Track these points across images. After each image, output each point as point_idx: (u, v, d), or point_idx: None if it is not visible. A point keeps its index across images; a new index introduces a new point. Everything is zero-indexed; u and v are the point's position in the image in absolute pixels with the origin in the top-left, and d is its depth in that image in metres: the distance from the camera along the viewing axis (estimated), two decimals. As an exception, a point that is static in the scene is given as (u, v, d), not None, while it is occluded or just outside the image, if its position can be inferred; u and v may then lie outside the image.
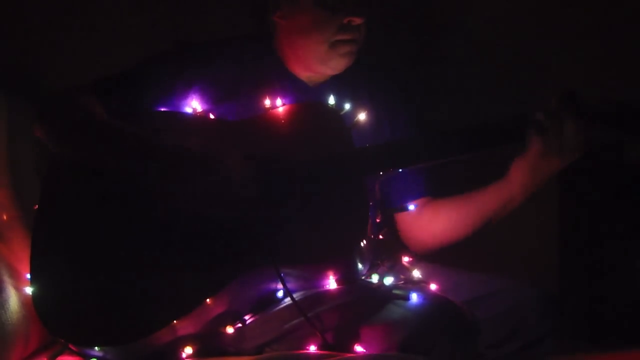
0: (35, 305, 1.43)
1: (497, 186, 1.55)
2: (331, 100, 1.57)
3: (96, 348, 1.39)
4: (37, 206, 1.51)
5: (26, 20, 1.97)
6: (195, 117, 1.58)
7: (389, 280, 1.45)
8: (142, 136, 1.47)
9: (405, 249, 1.65)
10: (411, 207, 1.62)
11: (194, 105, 1.58)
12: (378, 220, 1.54)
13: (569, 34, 1.94)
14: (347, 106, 1.57)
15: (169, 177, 1.42)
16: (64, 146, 1.51)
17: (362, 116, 1.55)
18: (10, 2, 1.97)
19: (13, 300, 1.49)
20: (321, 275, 1.45)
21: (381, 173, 1.50)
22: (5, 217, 1.61)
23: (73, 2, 1.99)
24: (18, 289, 1.50)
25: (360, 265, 1.47)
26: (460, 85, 1.98)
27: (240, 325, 1.46)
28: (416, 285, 1.45)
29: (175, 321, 1.40)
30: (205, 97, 1.59)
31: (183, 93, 1.59)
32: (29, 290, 1.45)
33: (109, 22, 1.99)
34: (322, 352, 1.37)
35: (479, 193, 1.59)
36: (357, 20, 1.54)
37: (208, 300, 1.41)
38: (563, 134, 1.41)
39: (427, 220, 1.65)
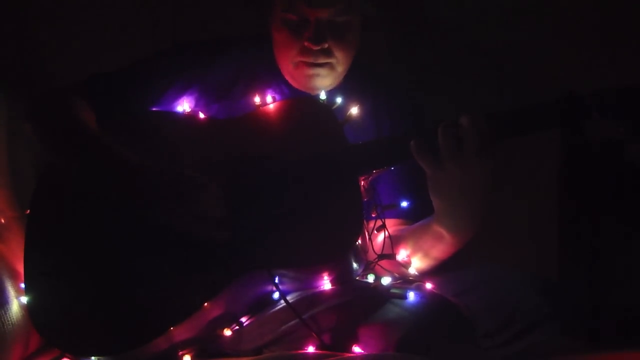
0: (30, 314, 1.42)
1: (427, 219, 1.48)
2: (322, 95, 1.56)
3: (93, 358, 1.38)
4: (28, 211, 1.50)
5: (26, 20, 1.97)
6: (186, 117, 1.57)
7: (386, 280, 1.44)
8: (114, 151, 1.43)
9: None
10: (404, 204, 1.59)
11: (185, 105, 1.58)
12: (374, 215, 1.52)
13: (566, 31, 1.93)
14: (339, 100, 1.56)
15: (132, 195, 1.40)
16: (44, 148, 1.51)
17: (354, 110, 1.54)
18: (10, 2, 1.97)
19: (13, 302, 1.49)
20: (316, 276, 1.44)
21: (374, 171, 1.49)
22: (4, 218, 1.61)
23: (73, 2, 1.99)
24: (18, 290, 1.50)
25: (355, 265, 1.47)
26: (459, 84, 1.97)
27: (237, 327, 1.45)
28: (413, 284, 1.45)
29: (171, 327, 1.39)
30: (202, 97, 1.59)
31: (178, 94, 1.59)
32: (23, 299, 1.44)
33: (109, 22, 2.00)
34: (320, 352, 1.36)
35: (413, 227, 1.53)
36: (313, 47, 1.53)
37: (205, 304, 1.40)
38: (447, 144, 1.33)
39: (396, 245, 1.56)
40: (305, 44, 1.53)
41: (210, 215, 1.39)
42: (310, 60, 1.55)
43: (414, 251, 1.51)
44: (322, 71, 1.56)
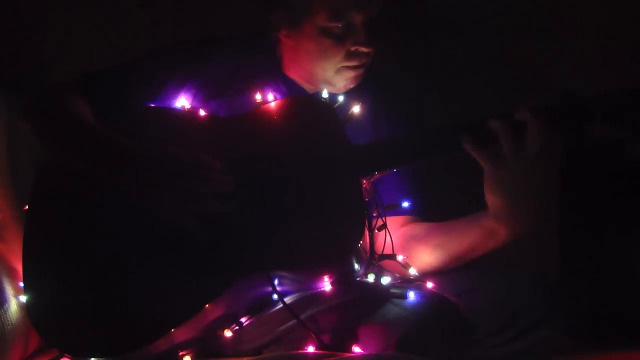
0: (29, 314, 1.41)
1: (476, 215, 1.44)
2: (324, 94, 1.55)
3: (92, 359, 1.38)
4: (26, 207, 1.48)
5: (26, 20, 1.98)
6: (185, 114, 1.56)
7: (386, 280, 1.44)
8: (116, 142, 1.42)
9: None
10: (405, 204, 1.56)
11: (183, 101, 1.57)
12: (375, 215, 1.50)
13: (569, 32, 1.93)
14: (341, 99, 1.56)
15: (137, 181, 1.39)
16: (43, 145, 1.49)
17: (356, 109, 1.53)
18: (10, 2, 1.97)
19: (13, 301, 1.49)
20: (317, 277, 1.44)
21: (376, 172, 1.47)
22: (4, 217, 1.60)
23: (73, 1, 1.99)
24: (17, 290, 1.50)
25: (356, 266, 1.47)
26: (460, 84, 1.97)
27: (237, 327, 1.45)
28: (413, 284, 1.45)
29: (172, 329, 1.39)
30: (198, 94, 1.58)
31: (176, 90, 1.57)
32: (22, 298, 1.43)
33: (109, 22, 2.00)
34: (319, 352, 1.36)
35: (459, 222, 1.49)
36: (366, 49, 1.52)
37: (205, 305, 1.40)
38: (509, 141, 1.30)
39: (407, 243, 1.54)
40: (353, 48, 1.52)
41: (218, 191, 1.38)
42: (356, 63, 1.54)
43: (443, 248, 1.49)
44: (362, 71, 1.57)
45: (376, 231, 1.51)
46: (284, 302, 1.39)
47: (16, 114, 1.56)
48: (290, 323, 1.40)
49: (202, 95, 1.58)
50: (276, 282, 1.43)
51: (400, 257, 1.50)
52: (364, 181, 1.48)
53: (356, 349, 1.34)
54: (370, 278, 1.47)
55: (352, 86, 1.59)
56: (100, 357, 1.38)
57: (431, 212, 1.54)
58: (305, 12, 1.52)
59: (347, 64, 1.54)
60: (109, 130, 1.44)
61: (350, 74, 1.56)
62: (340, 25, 1.51)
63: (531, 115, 1.30)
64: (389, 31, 1.88)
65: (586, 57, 1.91)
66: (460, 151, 1.35)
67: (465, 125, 1.37)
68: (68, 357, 1.42)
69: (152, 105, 1.57)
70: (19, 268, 1.47)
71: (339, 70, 1.55)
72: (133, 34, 1.97)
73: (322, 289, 1.44)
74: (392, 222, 1.52)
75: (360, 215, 1.41)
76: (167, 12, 2.01)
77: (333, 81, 1.57)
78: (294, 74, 1.62)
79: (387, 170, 1.48)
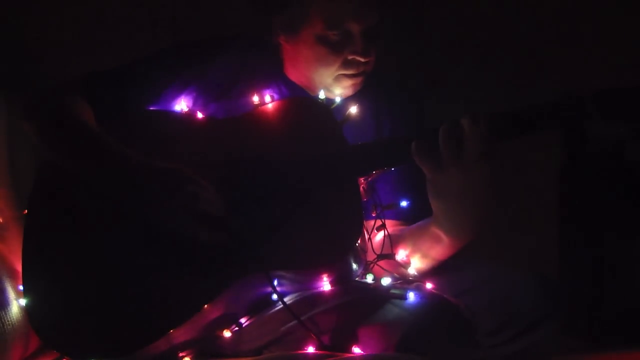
0: (28, 316, 1.41)
1: (425, 221, 1.47)
2: (321, 95, 1.55)
3: (91, 360, 1.38)
4: (26, 211, 1.48)
5: (26, 20, 1.98)
6: (183, 117, 1.56)
7: (386, 281, 1.44)
8: (113, 148, 1.41)
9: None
10: (403, 203, 1.56)
11: (183, 104, 1.57)
12: (373, 215, 1.51)
13: (569, 32, 1.93)
14: (338, 100, 1.56)
15: (131, 192, 1.39)
16: (43, 146, 1.49)
17: (353, 110, 1.53)
18: (10, 2, 1.97)
19: (13, 302, 1.49)
20: (316, 277, 1.44)
21: (374, 172, 1.48)
22: (4, 218, 1.60)
23: (73, 2, 2.00)
24: (18, 291, 1.50)
25: (355, 266, 1.47)
26: (460, 83, 1.98)
27: (237, 328, 1.45)
28: (413, 285, 1.45)
29: (171, 330, 1.38)
30: (199, 97, 1.59)
31: (176, 93, 1.58)
32: (22, 301, 1.43)
33: (109, 22, 2.00)
34: (319, 352, 1.36)
35: (413, 228, 1.51)
36: (363, 59, 1.53)
37: (205, 306, 1.39)
38: (448, 148, 1.33)
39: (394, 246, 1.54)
40: (350, 57, 1.53)
41: (209, 214, 1.38)
42: (353, 71, 1.55)
43: (413, 251, 1.51)
44: (360, 79, 1.57)
45: (375, 231, 1.51)
46: (283, 303, 1.39)
47: (17, 113, 1.56)
48: (291, 324, 1.40)
49: (204, 98, 1.59)
50: (275, 282, 1.43)
51: (399, 257, 1.50)
52: (362, 181, 1.48)
53: (356, 350, 1.34)
54: (369, 278, 1.48)
55: (351, 93, 1.59)
56: (100, 359, 1.37)
57: (417, 216, 1.54)
58: (302, 19, 1.52)
59: (344, 72, 1.55)
60: (107, 135, 1.44)
61: (349, 82, 1.56)
62: (336, 34, 1.51)
63: (470, 122, 1.32)
64: (388, 32, 1.89)
65: (586, 57, 1.91)
66: (408, 161, 1.37)
67: (415, 134, 1.39)
68: (68, 359, 1.41)
69: (152, 108, 1.58)
70: (20, 269, 1.47)
71: (336, 78, 1.56)
72: (133, 34, 1.97)
73: (322, 289, 1.44)
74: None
75: (358, 215, 1.42)
76: (167, 12, 2.01)
77: (331, 88, 1.58)
78: (295, 77, 1.62)
79: (383, 169, 1.49)
